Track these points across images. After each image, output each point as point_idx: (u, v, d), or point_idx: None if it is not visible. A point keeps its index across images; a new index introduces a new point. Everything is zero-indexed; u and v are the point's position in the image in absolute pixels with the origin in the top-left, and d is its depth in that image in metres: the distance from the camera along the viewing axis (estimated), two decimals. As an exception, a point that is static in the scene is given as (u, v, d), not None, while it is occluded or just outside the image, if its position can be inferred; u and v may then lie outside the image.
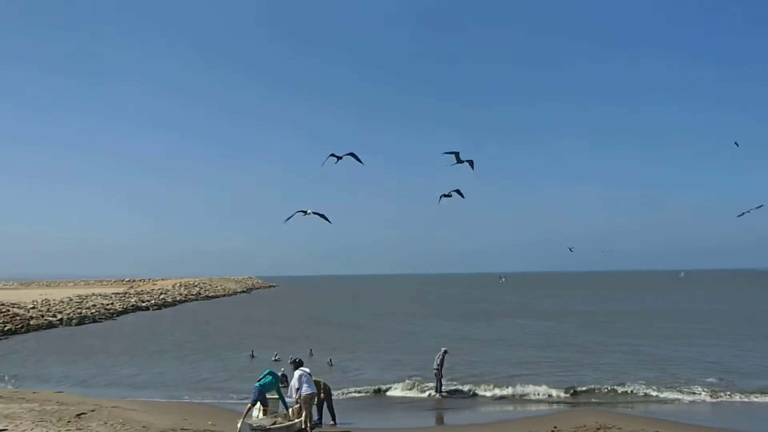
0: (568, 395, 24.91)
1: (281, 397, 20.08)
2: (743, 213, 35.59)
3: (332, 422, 20.64)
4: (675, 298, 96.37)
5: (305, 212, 24.89)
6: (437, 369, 25.65)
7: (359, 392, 25.93)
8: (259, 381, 19.82)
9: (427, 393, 25.62)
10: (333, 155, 25.47)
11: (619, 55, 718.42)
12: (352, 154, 25.88)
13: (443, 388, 25.63)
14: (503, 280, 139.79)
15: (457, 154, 25.35)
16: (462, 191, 26.14)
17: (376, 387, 26.72)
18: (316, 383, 20.05)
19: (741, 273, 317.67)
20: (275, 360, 32.98)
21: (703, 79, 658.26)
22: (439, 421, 22.48)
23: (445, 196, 26.45)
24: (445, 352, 26.37)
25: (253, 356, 35.66)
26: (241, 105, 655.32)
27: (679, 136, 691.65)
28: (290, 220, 24.90)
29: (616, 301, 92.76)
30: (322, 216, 25.37)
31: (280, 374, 27.45)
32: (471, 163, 25.45)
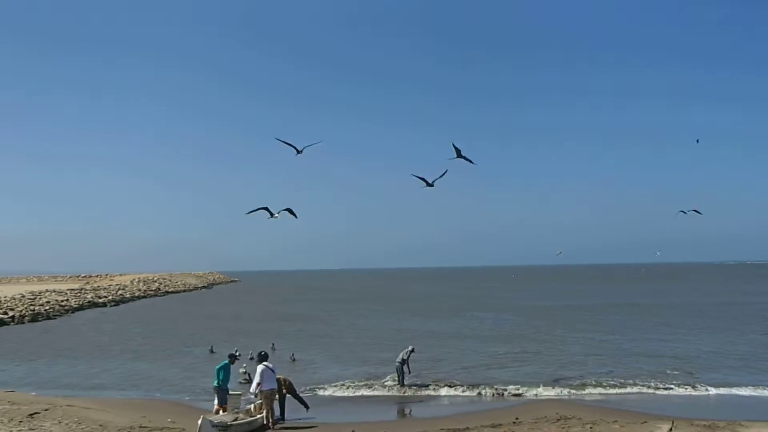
0: (529, 387, 24.99)
1: (224, 385, 19.92)
2: (677, 213, 35.92)
3: (306, 408, 20.82)
4: (634, 292, 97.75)
5: (271, 214, 24.67)
6: (400, 363, 25.54)
7: (322, 388, 25.71)
8: (216, 381, 19.74)
9: (388, 388, 25.54)
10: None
11: (560, 55, 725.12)
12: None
13: (406, 382, 25.51)
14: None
15: (459, 150, 25.62)
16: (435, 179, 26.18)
17: (337, 383, 26.58)
18: (277, 380, 19.79)
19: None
20: (238, 355, 32.50)
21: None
22: (402, 414, 22.43)
23: (428, 185, 26.41)
24: (412, 350, 26.36)
25: (212, 351, 35.17)
26: (194, 102, 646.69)
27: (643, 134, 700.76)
28: (252, 213, 24.60)
29: (575, 294, 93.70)
30: (290, 211, 25.14)
31: (242, 371, 27.25)
32: (470, 160, 26.18)
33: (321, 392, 25.00)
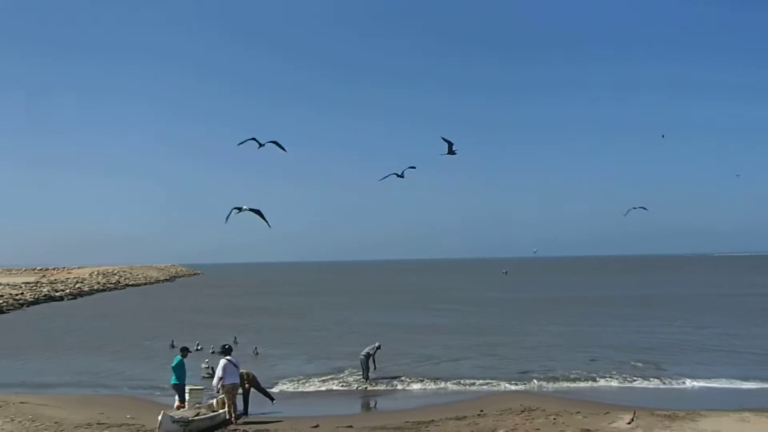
0: (494, 380, 25.12)
1: (182, 381, 19.79)
2: (628, 211, 36.09)
3: (271, 401, 20.84)
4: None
5: (240, 209, 24.38)
6: (365, 357, 25.49)
7: (286, 382, 25.55)
8: (174, 377, 19.65)
9: (353, 381, 25.47)
10: (255, 140, 25.07)
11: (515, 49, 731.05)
12: (275, 142, 25.57)
13: (371, 377, 25.45)
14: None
15: (450, 144, 25.67)
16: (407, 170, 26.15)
17: (301, 377, 26.46)
18: (240, 375, 19.60)
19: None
20: (197, 349, 32.20)
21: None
22: (367, 407, 22.38)
23: (398, 176, 26.36)
24: (379, 346, 26.26)
25: (173, 346, 34.63)
26: (155, 93, 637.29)
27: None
28: (229, 217, 24.42)
29: (554, 286, 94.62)
30: (258, 212, 24.91)
31: (205, 365, 26.95)
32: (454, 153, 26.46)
33: (285, 386, 24.80)
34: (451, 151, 26.18)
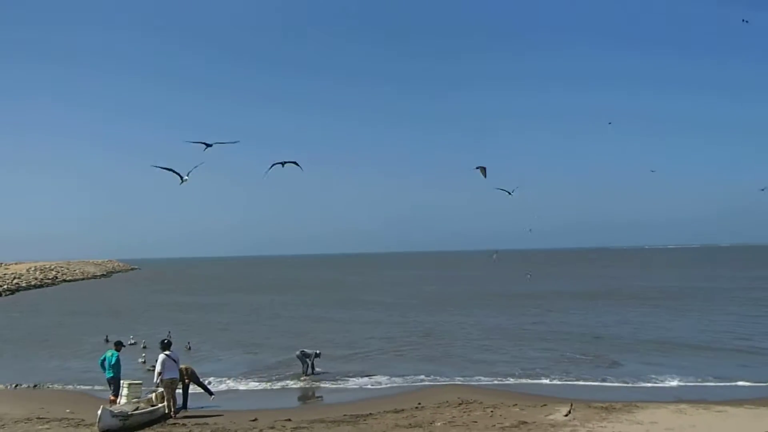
0: (431, 374, 25.41)
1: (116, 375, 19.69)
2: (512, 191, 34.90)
3: (210, 395, 20.79)
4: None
5: (182, 178, 24.32)
6: (302, 354, 25.60)
7: (223, 377, 25.51)
8: (106, 370, 19.60)
9: (291, 376, 25.49)
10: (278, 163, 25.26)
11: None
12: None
13: (309, 372, 25.55)
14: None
15: (484, 168, 26.24)
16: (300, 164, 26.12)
17: (237, 371, 26.59)
18: (180, 370, 19.57)
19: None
20: (131, 344, 31.97)
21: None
22: (305, 401, 22.53)
23: (279, 163, 26.21)
24: (318, 354, 26.13)
25: (107, 340, 34.12)
26: (86, 90, 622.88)
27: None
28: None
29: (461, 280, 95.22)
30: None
31: (141, 360, 26.75)
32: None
33: (222, 381, 24.71)
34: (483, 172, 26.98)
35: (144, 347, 30.95)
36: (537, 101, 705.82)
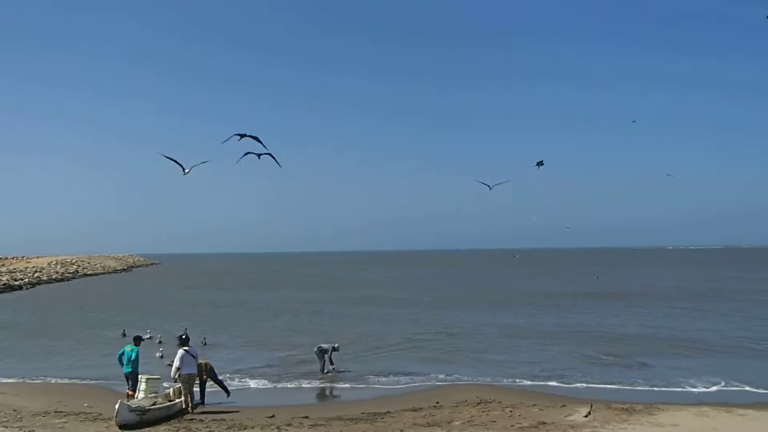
0: (449, 373, 25.26)
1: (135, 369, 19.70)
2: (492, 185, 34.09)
3: (227, 394, 20.64)
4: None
5: (184, 169, 24.27)
6: (320, 351, 25.34)
7: (240, 372, 25.52)
8: (124, 365, 19.62)
9: (308, 373, 25.37)
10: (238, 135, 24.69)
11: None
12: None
13: (329, 370, 25.39)
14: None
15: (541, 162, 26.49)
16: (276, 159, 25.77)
17: (254, 367, 26.61)
18: (198, 365, 19.55)
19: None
20: (147, 338, 32.10)
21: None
22: (323, 398, 22.47)
23: (251, 153, 25.87)
24: (336, 348, 25.92)
25: (124, 335, 34.31)
26: (115, 83, 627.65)
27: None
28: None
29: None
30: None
31: (159, 354, 26.82)
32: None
33: (238, 377, 24.66)
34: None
35: (159, 342, 31.01)
36: (555, 99, 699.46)
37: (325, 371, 25.23)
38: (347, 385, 23.76)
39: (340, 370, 25.76)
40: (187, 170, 24.65)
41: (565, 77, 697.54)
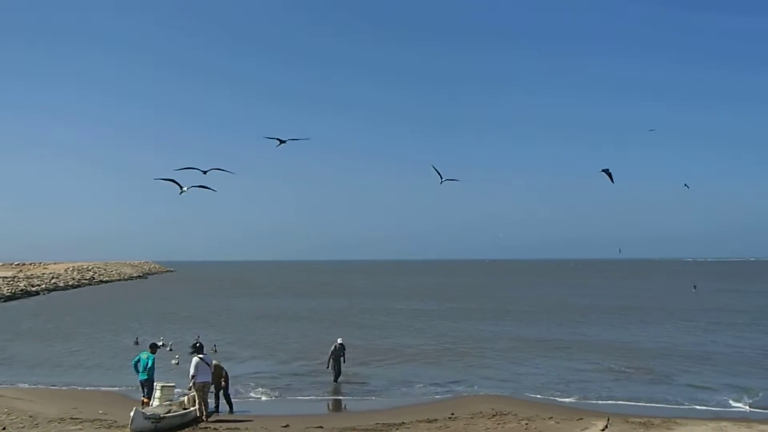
0: (465, 383, 25.22)
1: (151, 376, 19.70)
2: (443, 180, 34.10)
3: (228, 410, 20.31)
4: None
5: (181, 188, 24.18)
6: (333, 359, 25.03)
7: (252, 380, 25.52)
8: (140, 372, 19.62)
9: (322, 381, 25.22)
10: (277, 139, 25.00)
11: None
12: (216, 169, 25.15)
13: (340, 377, 25.22)
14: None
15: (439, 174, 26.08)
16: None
17: (268, 375, 26.60)
18: (217, 367, 19.59)
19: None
20: (160, 346, 32.14)
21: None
22: (337, 408, 22.43)
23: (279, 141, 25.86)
24: (341, 343, 25.48)
25: (137, 343, 34.32)
26: (138, 88, 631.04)
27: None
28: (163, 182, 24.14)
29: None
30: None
31: (174, 362, 26.83)
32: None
33: (252, 386, 24.56)
34: (448, 179, 26.72)
35: (170, 349, 31.08)
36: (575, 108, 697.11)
37: (337, 380, 24.99)
38: (361, 396, 23.68)
39: (355, 377, 25.75)
40: (184, 189, 24.52)
41: (590, 88, 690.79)
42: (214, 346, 32.79)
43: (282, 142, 25.01)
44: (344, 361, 25.52)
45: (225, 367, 20.81)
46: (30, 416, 17.54)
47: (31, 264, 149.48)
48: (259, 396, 23.22)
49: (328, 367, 25.26)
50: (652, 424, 17.28)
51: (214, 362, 19.99)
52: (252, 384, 24.86)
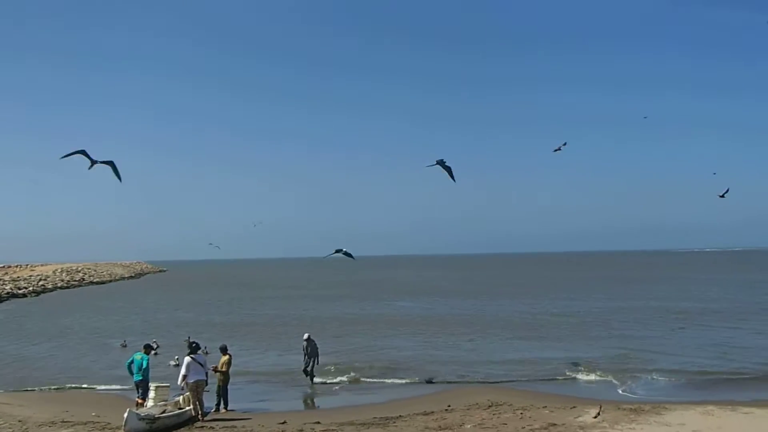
0: (461, 374, 25.34)
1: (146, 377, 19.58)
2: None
3: (224, 408, 20.14)
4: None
5: (92, 161, 22.16)
6: (307, 358, 24.39)
7: (248, 376, 25.54)
8: (134, 373, 19.48)
9: (318, 380, 24.93)
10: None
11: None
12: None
13: (315, 377, 24.68)
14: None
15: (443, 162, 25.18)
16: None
17: (262, 372, 26.76)
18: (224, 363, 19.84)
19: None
20: (156, 348, 31.95)
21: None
22: (333, 403, 22.21)
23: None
24: (308, 338, 24.54)
25: (124, 345, 33.92)
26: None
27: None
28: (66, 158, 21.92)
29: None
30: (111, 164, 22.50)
31: (173, 363, 26.73)
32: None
33: (248, 383, 24.51)
34: (444, 166, 25.78)
35: (156, 352, 30.84)
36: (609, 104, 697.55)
37: (310, 376, 24.46)
38: (358, 389, 23.79)
39: (351, 372, 25.79)
40: (98, 161, 21.78)
41: (611, 82, 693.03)
42: (205, 347, 32.56)
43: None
44: (317, 362, 24.73)
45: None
46: (19, 421, 17.38)
47: (17, 266, 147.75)
48: (254, 394, 23.02)
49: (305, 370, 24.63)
50: (643, 410, 17.58)
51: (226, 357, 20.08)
52: (247, 381, 24.78)
